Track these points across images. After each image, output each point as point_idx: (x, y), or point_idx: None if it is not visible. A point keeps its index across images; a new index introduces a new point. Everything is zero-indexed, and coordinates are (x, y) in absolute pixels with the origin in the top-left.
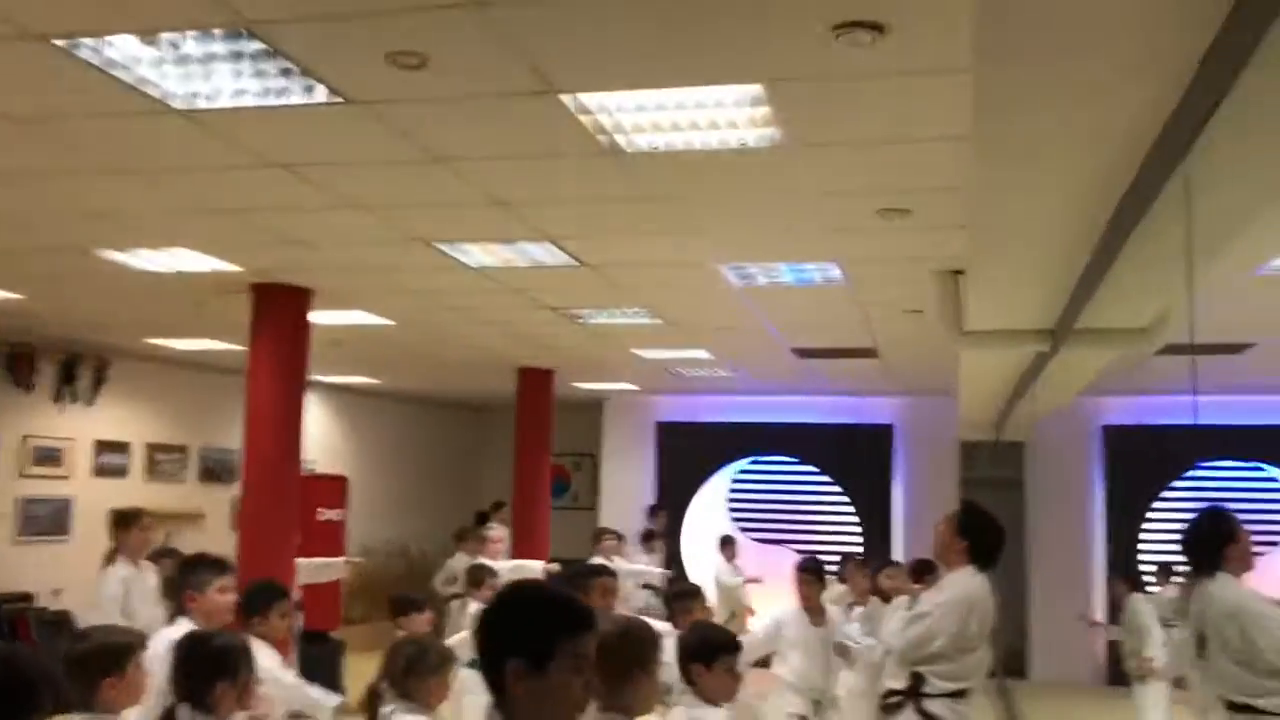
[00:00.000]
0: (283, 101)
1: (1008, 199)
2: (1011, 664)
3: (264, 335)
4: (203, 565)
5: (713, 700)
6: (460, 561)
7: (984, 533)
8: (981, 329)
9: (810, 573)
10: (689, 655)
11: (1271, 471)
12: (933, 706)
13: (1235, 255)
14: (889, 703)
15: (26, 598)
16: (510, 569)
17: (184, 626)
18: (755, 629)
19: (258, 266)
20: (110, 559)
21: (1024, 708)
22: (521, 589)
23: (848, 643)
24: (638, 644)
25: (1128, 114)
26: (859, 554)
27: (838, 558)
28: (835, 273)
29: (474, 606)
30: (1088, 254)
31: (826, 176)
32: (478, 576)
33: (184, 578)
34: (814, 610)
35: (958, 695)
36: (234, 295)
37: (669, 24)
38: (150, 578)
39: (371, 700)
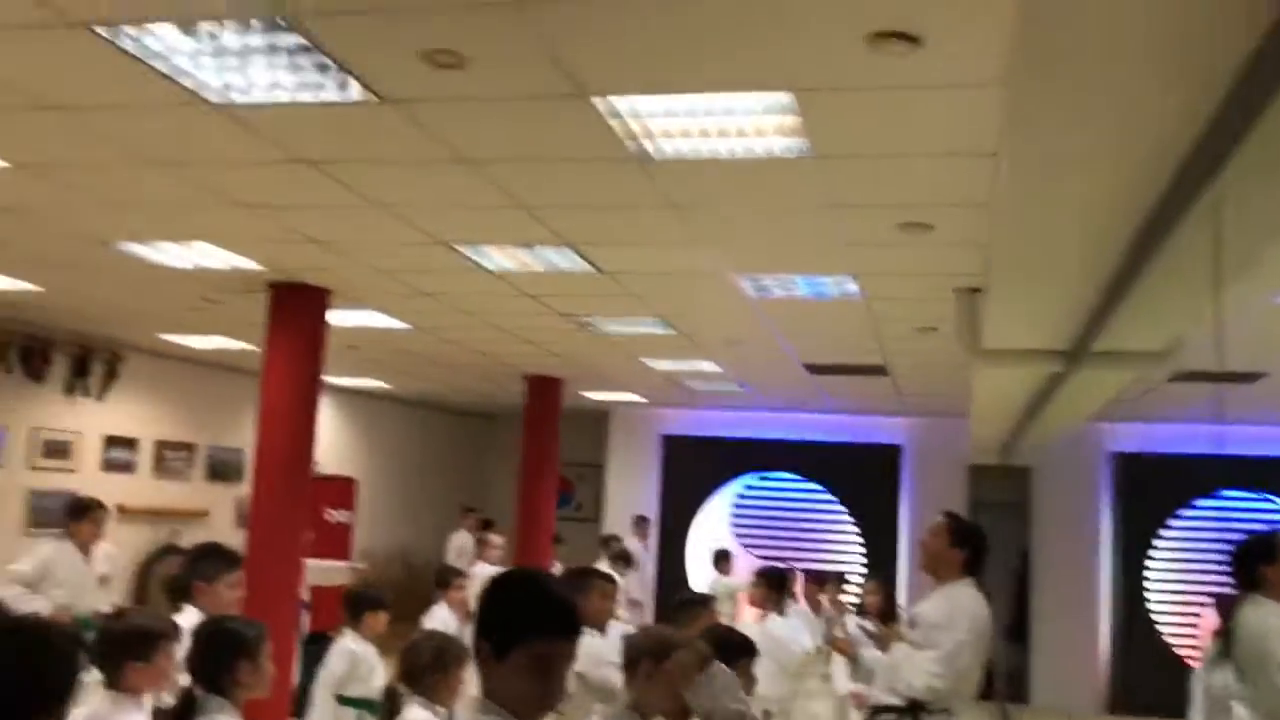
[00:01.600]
0: (317, 97)
1: (1033, 216)
2: (1013, 688)
3: (281, 335)
4: (214, 556)
5: None
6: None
7: (978, 540)
8: (998, 348)
9: (761, 578)
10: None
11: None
12: None
13: (1257, 280)
14: (883, 718)
15: None
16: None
17: (192, 615)
18: None
19: (278, 264)
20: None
21: None
22: (513, 577)
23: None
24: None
25: (1161, 128)
26: (838, 574)
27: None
28: (852, 287)
29: (439, 607)
30: (1109, 274)
31: (851, 188)
32: (444, 577)
33: (194, 565)
34: (762, 616)
35: (949, 710)
36: (252, 293)
37: (703, 29)
38: (98, 565)
39: (392, 699)
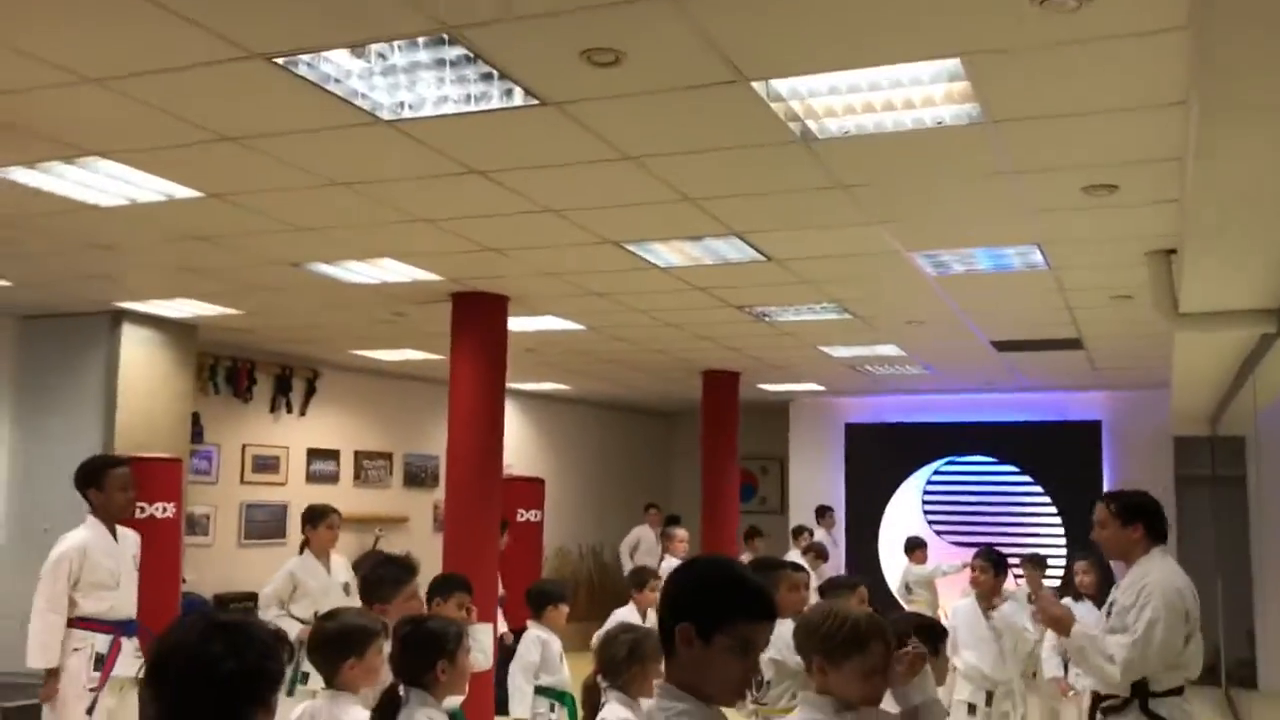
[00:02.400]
0: (482, 107)
1: (1230, 167)
2: (1240, 673)
3: (464, 342)
4: (382, 577)
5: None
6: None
7: (1149, 510)
8: (1198, 311)
9: (986, 560)
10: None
11: None
12: (1161, 707)
13: None
14: (1108, 705)
15: (251, 597)
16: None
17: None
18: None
19: (457, 274)
20: (300, 551)
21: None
22: (711, 562)
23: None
24: None
25: None
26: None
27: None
28: (1036, 257)
29: (626, 607)
30: None
31: (1027, 153)
32: (641, 578)
33: (369, 589)
34: (987, 600)
35: (1179, 690)
36: (435, 304)
37: (860, 1)
38: (339, 574)
39: (591, 695)
